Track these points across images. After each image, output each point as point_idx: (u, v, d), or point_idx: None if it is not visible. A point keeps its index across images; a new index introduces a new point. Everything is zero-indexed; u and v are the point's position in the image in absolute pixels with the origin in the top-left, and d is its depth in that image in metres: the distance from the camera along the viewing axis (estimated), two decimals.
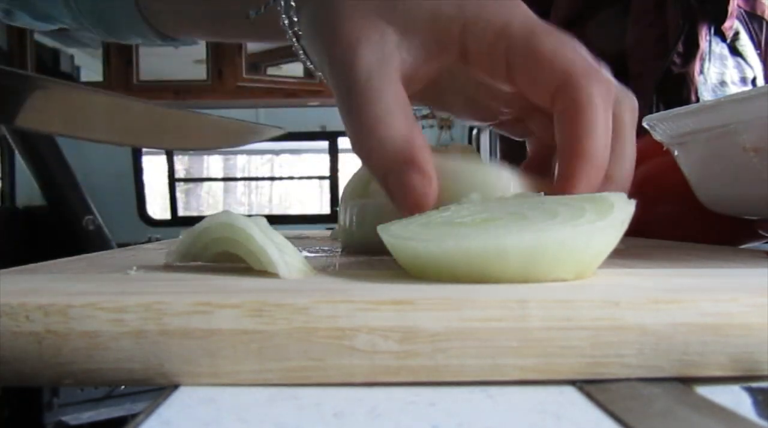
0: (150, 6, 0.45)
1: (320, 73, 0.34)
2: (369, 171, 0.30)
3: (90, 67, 3.14)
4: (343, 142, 3.11)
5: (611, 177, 0.31)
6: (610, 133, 0.30)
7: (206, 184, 5.18)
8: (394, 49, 0.29)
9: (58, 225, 2.13)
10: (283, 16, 0.33)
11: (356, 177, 0.42)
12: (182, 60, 3.03)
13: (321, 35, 0.31)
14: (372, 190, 0.40)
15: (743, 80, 0.95)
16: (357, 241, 0.36)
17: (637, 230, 0.32)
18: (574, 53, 0.30)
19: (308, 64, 0.35)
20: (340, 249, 0.39)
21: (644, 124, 0.45)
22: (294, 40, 0.34)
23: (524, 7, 0.31)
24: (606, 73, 0.30)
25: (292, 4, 0.33)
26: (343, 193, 0.42)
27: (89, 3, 0.47)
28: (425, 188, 0.27)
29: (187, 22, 0.46)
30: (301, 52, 0.35)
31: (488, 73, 0.31)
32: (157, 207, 3.37)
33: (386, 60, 0.29)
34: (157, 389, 0.18)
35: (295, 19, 0.33)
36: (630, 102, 0.32)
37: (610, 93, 0.30)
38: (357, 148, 0.29)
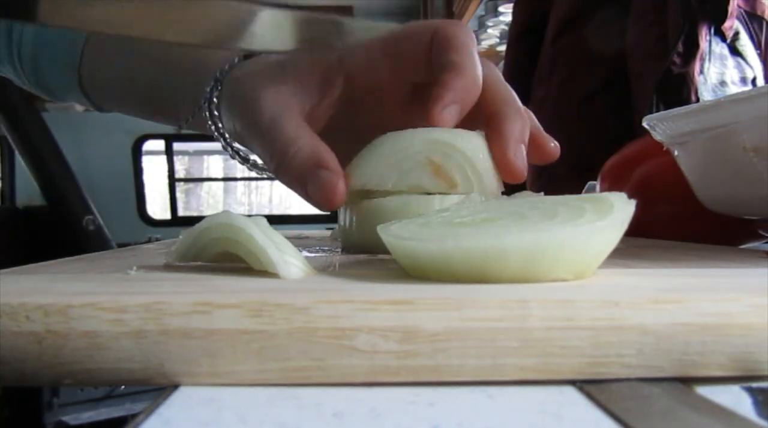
0: (89, 80, 0.50)
1: (241, 153, 0.43)
2: (290, 187, 0.35)
3: None
4: None
5: (506, 132, 0.33)
6: (479, 60, 0.34)
7: (206, 184, 5.17)
8: (290, 99, 0.35)
9: (58, 225, 2.13)
10: (208, 114, 0.40)
11: None
12: None
13: (233, 107, 0.38)
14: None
15: (743, 80, 0.95)
16: (357, 241, 0.36)
17: (637, 230, 0.32)
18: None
19: (228, 150, 0.42)
20: (340, 249, 0.39)
21: (644, 124, 0.45)
22: (215, 129, 0.41)
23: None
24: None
25: (215, 100, 0.40)
26: None
27: (30, 64, 0.52)
28: (335, 182, 0.32)
29: (118, 103, 0.52)
30: (221, 139, 0.42)
31: (374, 82, 0.37)
32: (157, 207, 3.37)
33: (285, 107, 0.35)
34: (157, 389, 0.18)
35: (216, 113, 0.41)
36: (495, 67, 0.36)
37: (474, 36, 0.35)
38: (277, 173, 0.35)
